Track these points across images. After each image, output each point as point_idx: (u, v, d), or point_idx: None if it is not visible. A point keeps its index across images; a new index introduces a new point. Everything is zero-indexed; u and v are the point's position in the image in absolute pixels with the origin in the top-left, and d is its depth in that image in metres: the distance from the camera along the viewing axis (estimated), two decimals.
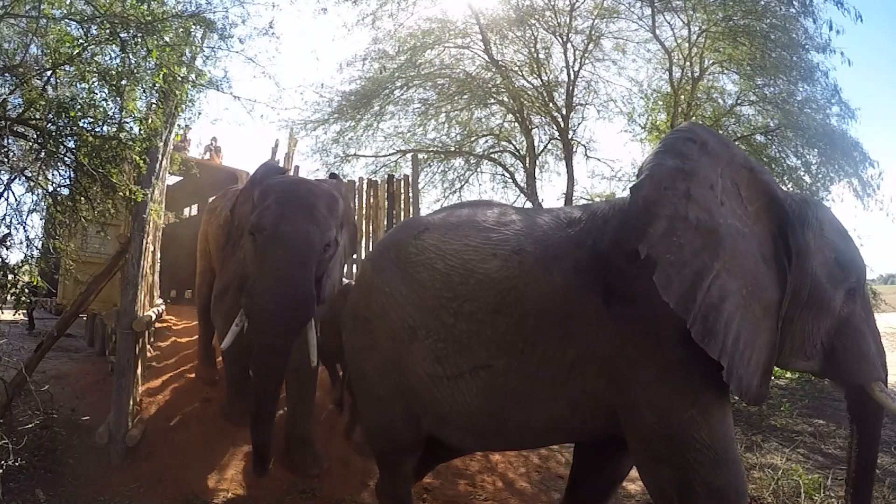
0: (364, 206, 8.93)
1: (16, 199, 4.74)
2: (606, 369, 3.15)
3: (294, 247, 4.29)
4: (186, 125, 6.34)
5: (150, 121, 5.34)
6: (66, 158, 4.88)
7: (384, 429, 3.96)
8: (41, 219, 5.25)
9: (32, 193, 4.83)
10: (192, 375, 6.53)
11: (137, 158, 5.26)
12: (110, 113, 4.98)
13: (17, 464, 4.11)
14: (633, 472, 3.89)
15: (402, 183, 8.91)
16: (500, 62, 10.81)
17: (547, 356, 3.25)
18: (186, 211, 14.13)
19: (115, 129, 5.02)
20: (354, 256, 7.90)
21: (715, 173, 3.14)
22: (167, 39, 4.82)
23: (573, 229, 3.47)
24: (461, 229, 3.77)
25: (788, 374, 8.45)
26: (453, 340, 3.47)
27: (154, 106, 5.53)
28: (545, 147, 11.39)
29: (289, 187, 4.78)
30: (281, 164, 9.67)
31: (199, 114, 5.82)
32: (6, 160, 4.59)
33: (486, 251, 3.54)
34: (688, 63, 10.27)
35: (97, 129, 4.95)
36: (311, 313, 4.35)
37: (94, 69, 4.67)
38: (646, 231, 2.90)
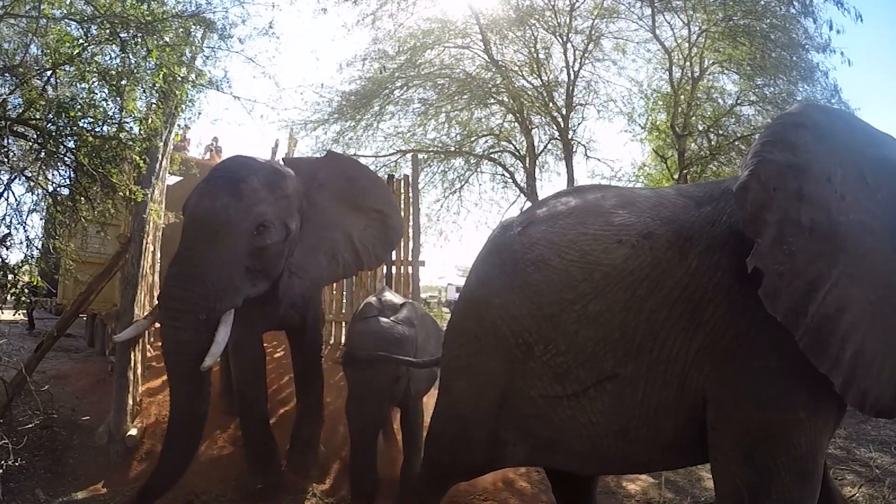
0: None
1: (16, 199, 4.75)
2: (723, 358, 2.80)
3: (204, 222, 3.97)
4: (185, 125, 6.32)
5: (150, 121, 5.34)
6: (66, 158, 4.89)
7: (454, 445, 3.57)
8: (41, 219, 5.26)
9: (32, 193, 4.84)
10: None
11: (137, 158, 5.26)
12: (110, 113, 4.99)
13: (17, 464, 4.12)
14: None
15: (402, 183, 8.89)
16: (500, 62, 10.81)
17: (673, 353, 2.87)
18: None
19: (115, 129, 5.02)
20: (394, 258, 7.79)
21: (832, 162, 2.74)
22: (167, 39, 4.82)
23: (706, 208, 3.05)
24: (573, 216, 3.30)
25: None
26: (576, 351, 3.02)
27: (154, 106, 5.53)
28: (545, 147, 11.39)
29: (224, 163, 4.61)
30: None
31: (199, 114, 5.84)
32: (6, 160, 4.60)
33: (609, 238, 3.08)
34: (688, 63, 10.27)
35: (97, 129, 4.95)
36: (220, 303, 3.93)
37: (94, 69, 4.67)
38: (754, 241, 2.61)
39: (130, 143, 5.07)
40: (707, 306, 2.82)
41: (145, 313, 6.01)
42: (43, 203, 4.96)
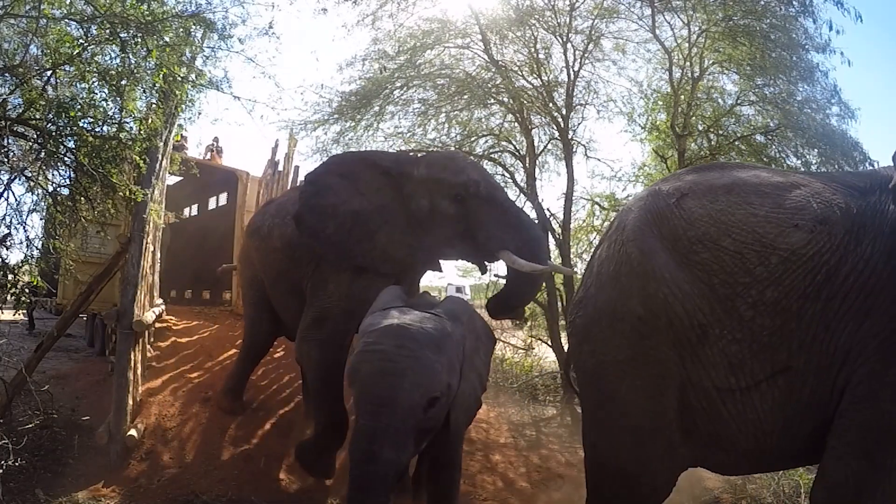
0: None
1: (16, 199, 4.75)
2: (879, 348, 2.70)
3: None
4: (180, 125, 6.32)
5: (150, 121, 5.34)
6: (66, 158, 4.89)
7: (631, 473, 3.12)
8: (41, 219, 5.26)
9: (32, 193, 4.83)
10: (193, 375, 6.53)
11: (137, 158, 5.27)
12: (110, 113, 5.00)
13: (17, 464, 4.11)
14: None
15: None
16: (500, 62, 10.78)
17: (841, 343, 2.75)
18: (186, 211, 14.14)
19: (115, 129, 5.03)
20: None
21: None
22: (167, 39, 4.82)
23: (872, 197, 2.96)
24: (735, 194, 3.11)
25: None
26: (751, 340, 2.83)
27: (154, 106, 5.53)
28: (545, 147, 11.33)
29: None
30: (280, 165, 9.69)
31: (199, 114, 5.83)
32: (6, 160, 4.60)
33: (784, 221, 2.92)
34: (688, 63, 10.24)
35: (97, 129, 4.96)
36: None
37: (94, 69, 4.67)
38: None
39: (130, 143, 5.08)
40: (879, 295, 2.73)
41: (146, 313, 6.02)
42: (43, 203, 4.96)
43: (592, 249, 3.83)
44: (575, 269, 9.16)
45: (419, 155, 6.00)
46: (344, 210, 4.78)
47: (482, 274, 5.39)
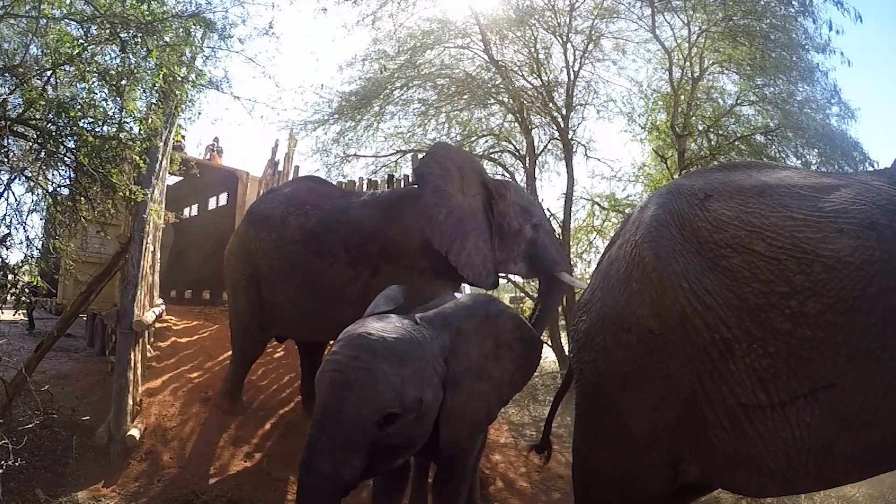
0: None
1: (16, 199, 4.75)
2: None
3: None
4: (180, 125, 6.33)
5: (150, 121, 5.34)
6: (66, 158, 4.89)
7: (626, 478, 3.02)
8: (41, 219, 5.26)
9: (32, 193, 4.83)
10: (193, 375, 6.53)
11: (137, 158, 5.27)
12: (110, 113, 5.00)
13: (17, 464, 4.11)
14: None
15: (403, 183, 8.91)
16: (500, 62, 10.79)
17: None
18: (186, 211, 14.13)
19: (115, 129, 5.03)
20: None
21: None
22: (167, 39, 4.82)
23: None
24: (768, 196, 2.86)
25: None
26: (788, 354, 2.57)
27: (154, 106, 5.53)
28: (545, 147, 11.36)
29: None
30: (280, 165, 9.69)
31: (199, 114, 5.83)
32: (6, 160, 4.60)
33: (826, 226, 2.65)
34: (688, 63, 10.25)
35: (97, 129, 4.96)
36: None
37: (94, 69, 4.67)
38: None
39: (130, 143, 5.08)
40: None
41: (146, 313, 6.02)
42: (43, 203, 4.95)
43: (605, 248, 3.55)
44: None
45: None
46: (455, 203, 4.97)
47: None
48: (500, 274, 5.48)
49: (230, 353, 7.41)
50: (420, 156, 10.80)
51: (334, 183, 8.29)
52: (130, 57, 4.76)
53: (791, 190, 2.87)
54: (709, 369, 2.71)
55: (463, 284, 5.46)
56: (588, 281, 3.98)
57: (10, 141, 4.65)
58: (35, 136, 4.71)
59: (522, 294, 11.01)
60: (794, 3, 9.45)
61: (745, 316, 2.65)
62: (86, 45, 4.55)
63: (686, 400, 2.77)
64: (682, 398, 2.78)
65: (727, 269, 2.73)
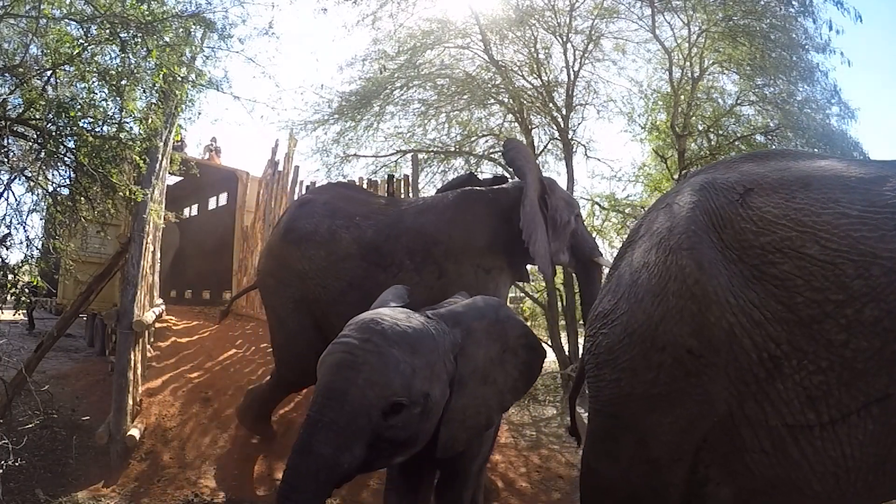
0: None
1: (16, 199, 4.75)
2: None
3: None
4: (178, 125, 6.32)
5: (150, 121, 5.34)
6: (66, 158, 4.89)
7: (642, 495, 2.81)
8: (41, 219, 5.25)
9: (32, 193, 4.83)
10: (193, 375, 6.54)
11: (137, 158, 5.27)
12: (110, 113, 4.99)
13: (17, 464, 4.11)
14: None
15: (403, 183, 8.91)
16: (500, 62, 10.79)
17: None
18: (186, 211, 14.15)
19: (115, 129, 5.02)
20: None
21: None
22: (167, 39, 4.82)
23: None
24: (816, 189, 2.54)
25: None
26: (841, 367, 2.32)
27: (154, 106, 5.53)
28: (545, 147, 11.36)
29: None
30: (281, 165, 9.69)
31: (199, 114, 5.83)
32: (6, 160, 4.60)
33: (884, 223, 2.38)
34: (688, 63, 10.25)
35: (97, 129, 4.95)
36: None
37: (94, 69, 4.67)
38: None
39: (130, 143, 5.08)
40: None
41: (146, 313, 6.02)
42: (43, 203, 4.95)
43: (621, 250, 3.27)
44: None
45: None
46: (532, 196, 5.15)
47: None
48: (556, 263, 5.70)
49: (230, 352, 7.45)
50: (420, 156, 10.87)
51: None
52: (130, 57, 4.76)
53: (839, 181, 2.55)
54: (752, 391, 2.44)
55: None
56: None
57: (10, 141, 4.65)
58: (35, 136, 4.71)
59: (523, 294, 11.01)
60: (794, 3, 9.46)
61: (795, 329, 2.38)
62: (86, 45, 4.55)
63: (720, 423, 2.52)
64: (715, 422, 2.52)
65: (776, 277, 2.43)
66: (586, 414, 7.04)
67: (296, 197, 8.90)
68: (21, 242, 4.80)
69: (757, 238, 2.51)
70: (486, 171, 12.00)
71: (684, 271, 2.59)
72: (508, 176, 6.47)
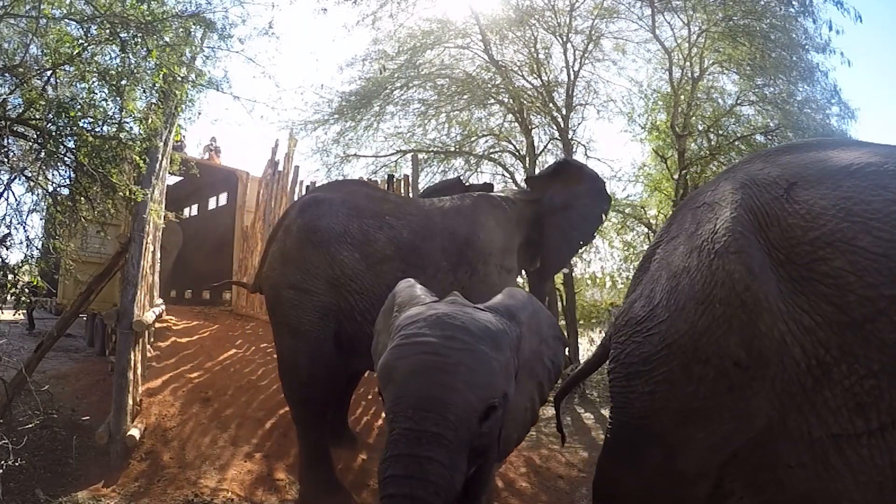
0: None
1: (16, 199, 4.75)
2: None
3: None
4: (178, 125, 6.32)
5: (150, 121, 5.34)
6: (66, 158, 4.89)
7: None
8: (41, 219, 5.26)
9: (32, 193, 4.83)
10: (193, 375, 6.54)
11: (137, 158, 5.27)
12: (110, 113, 4.99)
13: (16, 464, 4.11)
14: None
15: (403, 183, 8.93)
16: (500, 62, 10.81)
17: None
18: (186, 211, 14.16)
19: (115, 129, 5.03)
20: None
21: None
22: (167, 39, 4.82)
23: None
24: (862, 176, 2.36)
25: None
26: (894, 368, 2.15)
27: (154, 106, 5.53)
28: (545, 147, 11.38)
29: None
30: (281, 165, 9.70)
31: (199, 114, 5.83)
32: (6, 160, 4.60)
33: None
34: (688, 63, 10.26)
35: (97, 129, 4.96)
36: None
37: (94, 69, 4.67)
38: None
39: (130, 143, 5.08)
40: None
41: (146, 313, 6.02)
42: (43, 203, 4.95)
43: (647, 251, 3.11)
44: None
45: None
46: None
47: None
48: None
49: (230, 352, 7.45)
50: (420, 156, 10.88)
51: None
52: (130, 57, 4.76)
53: (885, 169, 2.35)
54: (797, 402, 2.26)
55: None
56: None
57: (9, 141, 4.65)
58: (35, 136, 4.71)
59: None
60: (794, 3, 9.48)
61: (847, 332, 2.18)
62: (86, 45, 4.55)
63: (755, 438, 2.35)
64: (750, 437, 2.36)
65: (827, 275, 2.23)
66: (586, 414, 7.04)
67: (296, 197, 8.91)
68: (21, 242, 4.80)
69: (806, 234, 2.31)
70: (486, 171, 12.05)
71: (733, 277, 2.39)
72: (493, 184, 6.63)
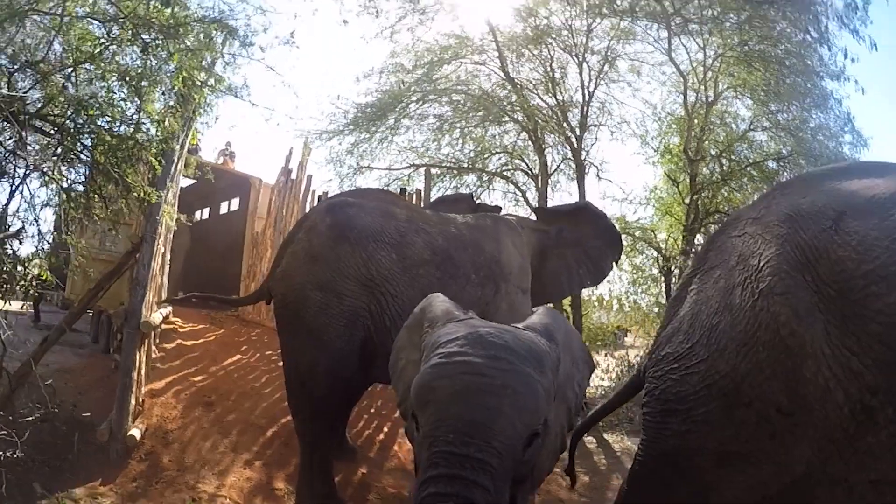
0: None
1: (31, 194, 4.79)
2: None
3: None
4: (195, 129, 6.37)
5: (167, 123, 5.39)
6: (82, 156, 4.93)
7: None
8: (54, 214, 5.29)
9: (47, 188, 4.88)
10: (196, 379, 6.53)
11: (153, 160, 5.31)
12: (128, 113, 5.04)
13: (16, 455, 4.10)
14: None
15: (415, 197, 8.95)
16: (516, 80, 10.89)
17: None
18: (198, 214, 14.25)
19: (132, 130, 5.07)
20: None
21: None
22: (188, 43, 4.87)
23: None
24: None
25: None
26: None
27: (172, 109, 5.58)
28: (558, 167, 11.41)
29: None
30: (294, 173, 9.75)
31: (217, 119, 5.87)
32: (25, 155, 4.65)
33: None
34: (702, 87, 10.30)
35: (115, 129, 5.00)
36: None
37: (115, 69, 4.72)
38: None
39: (147, 144, 5.13)
40: None
41: (153, 314, 6.03)
42: (57, 199, 4.99)
43: (682, 279, 3.01)
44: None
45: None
46: None
47: None
48: None
49: (235, 357, 7.44)
50: (433, 171, 10.92)
51: None
52: (151, 59, 4.81)
53: None
54: (839, 449, 2.14)
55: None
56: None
57: (28, 136, 4.70)
58: (53, 132, 4.76)
59: None
60: (810, 30, 9.50)
61: (893, 372, 2.04)
62: (107, 44, 4.61)
63: (792, 483, 2.27)
64: (787, 482, 2.28)
65: (881, 312, 2.05)
66: (588, 437, 6.95)
67: (307, 206, 8.94)
68: (33, 236, 4.84)
69: (858, 267, 2.15)
70: (498, 188, 12.08)
71: (778, 320, 2.26)
72: (501, 207, 6.70)
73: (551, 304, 6.61)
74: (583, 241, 5.84)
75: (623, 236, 11.14)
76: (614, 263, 6.23)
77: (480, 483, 2.02)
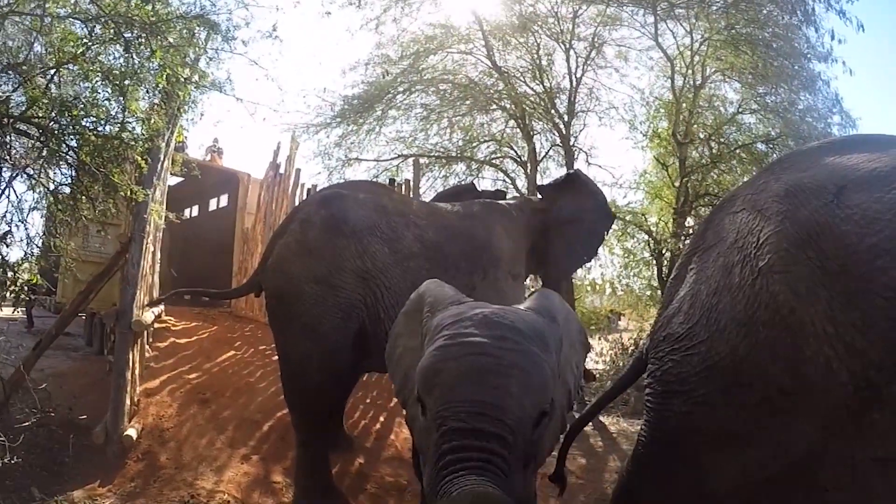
0: None
1: (17, 197, 4.75)
2: None
3: None
4: (181, 126, 6.31)
5: (152, 121, 5.34)
6: (67, 157, 4.89)
7: None
8: (42, 217, 5.26)
9: (34, 191, 4.83)
10: (191, 376, 6.52)
11: (139, 159, 5.27)
12: (113, 112, 4.97)
13: (13, 461, 4.10)
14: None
15: (404, 187, 8.93)
16: (503, 68, 10.85)
17: None
18: (187, 212, 14.16)
19: (117, 129, 5.01)
20: None
21: None
22: (171, 40, 4.82)
23: None
24: None
25: None
26: None
27: (157, 106, 5.53)
28: (546, 153, 11.41)
29: None
30: (282, 167, 9.70)
31: (202, 115, 5.81)
32: (8, 158, 4.60)
33: None
34: (690, 71, 10.31)
35: (99, 129, 4.95)
36: None
37: (98, 69, 4.67)
38: None
39: (132, 143, 5.08)
40: None
41: (144, 314, 6.01)
42: (44, 201, 4.95)
43: (681, 259, 2.96)
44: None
45: None
46: None
47: None
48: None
49: (229, 353, 7.43)
50: (422, 161, 10.91)
51: None
52: (134, 57, 4.75)
53: None
54: (842, 426, 2.11)
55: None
56: None
57: (12, 139, 4.65)
58: (37, 135, 4.71)
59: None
60: (797, 12, 9.51)
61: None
62: (90, 44, 4.55)
63: (793, 464, 2.23)
64: (788, 462, 2.24)
65: (886, 286, 2.00)
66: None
67: (297, 200, 8.91)
68: (21, 240, 4.80)
69: (862, 241, 2.09)
70: (488, 176, 12.08)
71: (777, 299, 2.23)
72: (505, 191, 6.66)
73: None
74: (579, 216, 5.81)
75: (614, 220, 11.27)
76: (606, 232, 6.30)
77: (498, 452, 2.01)
